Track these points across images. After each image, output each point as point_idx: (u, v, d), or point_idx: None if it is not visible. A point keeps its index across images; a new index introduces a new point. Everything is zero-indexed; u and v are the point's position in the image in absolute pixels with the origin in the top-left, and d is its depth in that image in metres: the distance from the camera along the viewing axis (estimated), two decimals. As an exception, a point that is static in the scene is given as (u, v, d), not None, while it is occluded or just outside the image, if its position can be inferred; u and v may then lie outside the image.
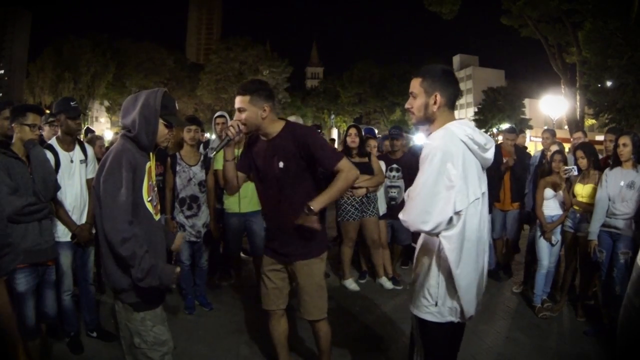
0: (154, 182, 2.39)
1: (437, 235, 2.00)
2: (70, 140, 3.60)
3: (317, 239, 2.81)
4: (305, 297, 2.87)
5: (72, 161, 3.56)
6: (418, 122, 2.14)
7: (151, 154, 2.36)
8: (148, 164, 2.29)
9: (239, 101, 2.66)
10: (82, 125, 3.88)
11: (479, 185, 2.02)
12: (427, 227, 1.94)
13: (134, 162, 2.17)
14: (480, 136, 2.04)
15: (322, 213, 2.90)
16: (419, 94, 2.09)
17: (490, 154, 2.09)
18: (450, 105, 2.10)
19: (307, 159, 2.70)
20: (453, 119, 2.10)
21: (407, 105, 2.17)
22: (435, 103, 2.06)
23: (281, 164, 2.68)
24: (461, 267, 1.97)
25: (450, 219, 1.94)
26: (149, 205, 2.25)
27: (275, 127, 2.75)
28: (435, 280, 2.06)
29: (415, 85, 2.11)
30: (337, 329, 4.11)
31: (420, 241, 2.23)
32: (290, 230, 2.74)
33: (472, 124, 2.12)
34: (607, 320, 4.06)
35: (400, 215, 2.06)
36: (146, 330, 2.25)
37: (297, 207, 2.66)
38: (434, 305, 2.06)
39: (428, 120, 2.11)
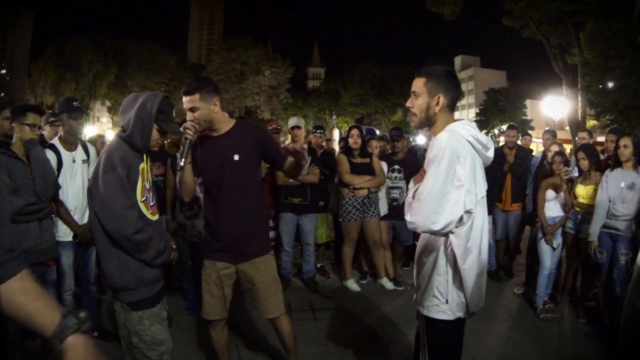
0: (150, 183, 2.39)
1: (446, 235, 2.02)
2: (72, 140, 3.60)
3: (267, 236, 3.02)
4: (265, 295, 2.86)
5: (74, 161, 3.56)
6: (419, 124, 2.15)
7: (145, 155, 2.36)
8: (142, 165, 2.29)
9: (188, 101, 2.65)
10: (84, 125, 3.87)
11: (484, 183, 2.08)
12: (436, 227, 1.94)
13: (128, 161, 2.19)
14: (482, 136, 2.08)
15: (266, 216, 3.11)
16: (422, 94, 2.09)
17: (491, 153, 2.12)
18: (452, 107, 2.11)
19: (260, 154, 2.82)
20: (453, 120, 2.10)
21: (408, 104, 2.17)
22: (437, 104, 2.06)
23: (236, 157, 2.69)
24: (467, 262, 2.01)
25: (461, 218, 1.96)
26: (142, 206, 2.25)
27: (227, 122, 2.79)
28: (444, 278, 2.08)
29: (419, 84, 2.10)
30: (338, 330, 4.12)
31: (421, 242, 2.23)
32: (246, 227, 2.79)
33: (474, 124, 2.14)
34: (608, 322, 4.06)
35: (407, 217, 2.05)
36: (144, 330, 2.25)
37: (251, 202, 2.80)
38: (445, 303, 2.07)
39: (429, 122, 2.12)
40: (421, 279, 2.20)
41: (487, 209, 2.16)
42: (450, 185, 1.94)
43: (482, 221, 2.06)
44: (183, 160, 2.59)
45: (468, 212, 1.97)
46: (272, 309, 2.89)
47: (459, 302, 2.08)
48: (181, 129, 2.55)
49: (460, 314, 2.10)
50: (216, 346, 3.02)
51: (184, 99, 2.66)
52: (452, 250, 2.03)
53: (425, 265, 2.16)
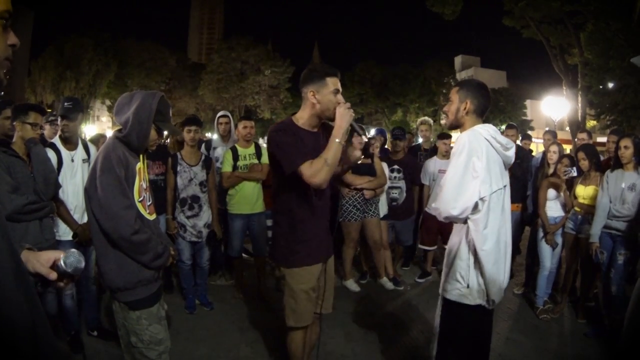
0: (146, 183, 2.40)
1: (464, 221, 2.31)
2: (72, 139, 3.59)
3: None
4: (332, 289, 2.91)
5: (73, 160, 3.56)
6: (450, 125, 2.53)
7: (141, 155, 2.37)
8: (138, 165, 2.30)
9: (337, 82, 2.53)
10: (81, 124, 3.76)
11: (501, 178, 2.32)
12: (455, 212, 2.24)
13: (125, 162, 2.19)
14: (502, 137, 2.37)
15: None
16: (454, 101, 2.45)
17: (511, 153, 2.39)
18: (479, 113, 2.42)
19: None
20: (479, 124, 2.40)
21: (444, 109, 2.56)
22: (465, 109, 2.41)
23: None
24: (485, 247, 2.25)
25: (476, 205, 2.24)
26: (139, 206, 2.26)
27: None
28: (465, 263, 2.32)
29: (453, 92, 2.47)
30: (337, 330, 4.12)
31: (452, 232, 2.49)
32: (325, 227, 2.77)
33: (495, 127, 2.44)
34: (607, 322, 4.06)
35: (433, 204, 2.34)
36: (142, 329, 2.26)
37: (328, 204, 2.78)
38: (466, 287, 2.31)
39: (458, 123, 2.46)
40: (446, 266, 2.45)
41: (509, 202, 2.41)
42: (468, 175, 2.23)
43: (500, 212, 2.30)
44: (364, 135, 2.60)
45: (482, 199, 2.24)
46: (330, 304, 2.93)
47: (479, 289, 2.30)
48: (344, 109, 2.40)
49: (481, 301, 2.31)
50: (300, 349, 2.82)
51: (336, 79, 2.53)
52: (471, 236, 2.27)
53: (451, 252, 2.41)
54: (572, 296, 4.83)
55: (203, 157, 4.54)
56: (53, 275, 1.21)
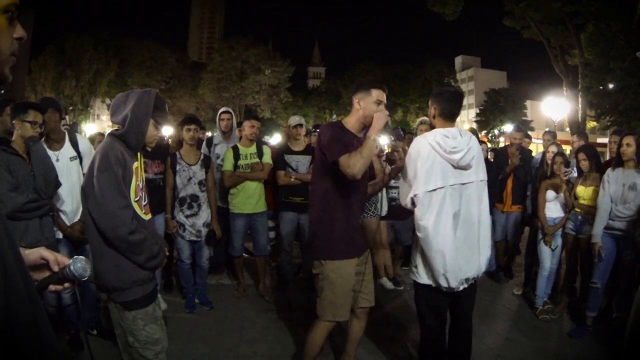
0: (143, 182, 2.39)
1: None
2: (55, 138, 3.51)
3: None
4: (371, 283, 3.05)
5: (57, 160, 3.42)
6: (431, 127, 2.87)
7: (139, 154, 2.37)
8: (135, 164, 2.29)
9: (383, 94, 2.82)
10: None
11: (442, 178, 2.61)
12: (408, 205, 2.73)
13: (123, 161, 2.19)
14: (450, 141, 2.64)
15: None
16: (429, 107, 2.86)
17: (457, 156, 2.62)
18: (445, 117, 2.78)
19: None
20: (448, 127, 2.74)
21: None
22: (432, 114, 2.83)
23: None
24: (419, 235, 2.63)
25: (413, 200, 2.68)
26: (136, 205, 2.26)
27: None
28: (414, 248, 2.80)
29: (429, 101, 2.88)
30: (336, 330, 4.11)
31: None
32: (358, 224, 3.04)
33: (453, 132, 2.69)
34: (590, 323, 4.11)
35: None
36: (138, 330, 2.26)
37: (364, 204, 3.13)
38: (415, 268, 2.77)
39: (433, 127, 2.82)
40: None
41: (474, 202, 2.69)
42: (411, 175, 2.70)
43: (441, 208, 2.58)
44: (392, 136, 2.86)
45: (416, 196, 2.64)
46: (372, 297, 3.05)
47: (426, 270, 2.69)
48: (380, 112, 2.70)
49: (429, 282, 2.68)
50: (321, 344, 2.95)
51: (381, 92, 2.80)
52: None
53: None
54: (572, 296, 4.82)
55: (202, 157, 4.53)
56: (37, 276, 1.21)
